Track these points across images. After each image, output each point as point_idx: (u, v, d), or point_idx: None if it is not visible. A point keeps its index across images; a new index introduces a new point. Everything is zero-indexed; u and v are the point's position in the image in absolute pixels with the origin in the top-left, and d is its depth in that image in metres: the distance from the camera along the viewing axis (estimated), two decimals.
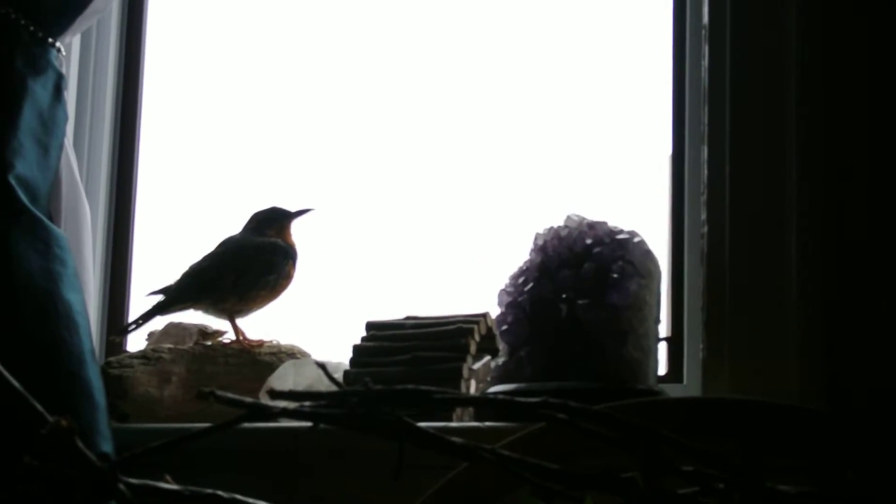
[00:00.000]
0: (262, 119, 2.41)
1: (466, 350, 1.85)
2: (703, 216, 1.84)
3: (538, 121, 2.29)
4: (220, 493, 0.80)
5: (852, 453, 1.28)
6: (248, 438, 1.75)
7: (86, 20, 1.97)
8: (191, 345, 2.09)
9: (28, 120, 1.77)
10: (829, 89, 1.77)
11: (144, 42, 2.37)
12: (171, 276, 2.12)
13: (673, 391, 1.89)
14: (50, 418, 0.75)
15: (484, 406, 1.73)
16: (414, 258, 2.27)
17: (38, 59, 1.82)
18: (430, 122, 2.34)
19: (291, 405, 0.86)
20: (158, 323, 2.14)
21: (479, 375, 1.88)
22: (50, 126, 1.82)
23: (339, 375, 1.86)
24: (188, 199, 2.41)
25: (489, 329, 1.91)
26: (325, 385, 1.80)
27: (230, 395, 0.82)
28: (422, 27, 2.39)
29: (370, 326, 1.96)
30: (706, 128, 1.86)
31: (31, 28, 1.83)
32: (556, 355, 1.77)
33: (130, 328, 2.10)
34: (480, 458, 0.89)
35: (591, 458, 1.12)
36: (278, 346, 2.06)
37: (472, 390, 1.84)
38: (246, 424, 0.86)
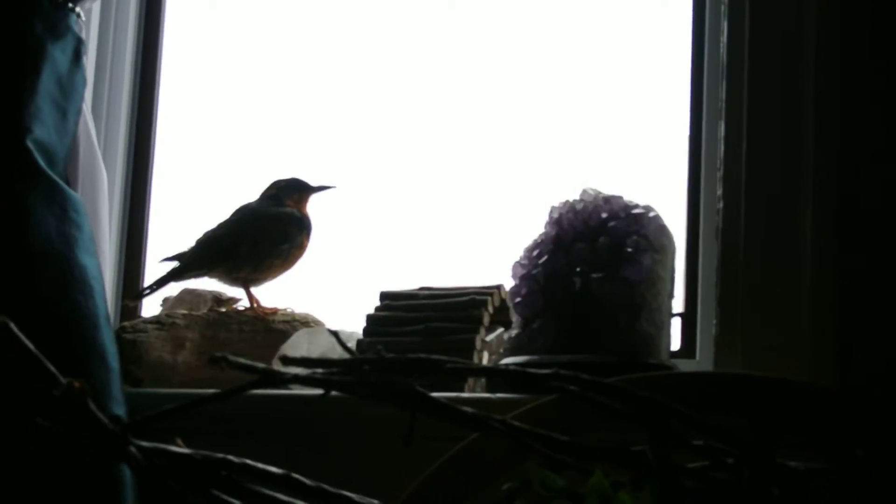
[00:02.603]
0: (282, 88, 2.41)
1: (480, 321, 1.85)
2: (719, 192, 1.84)
3: (556, 95, 2.29)
4: (231, 457, 0.80)
5: (862, 430, 1.28)
6: (260, 405, 1.76)
7: None
8: (205, 311, 2.09)
9: (47, 84, 1.78)
10: (847, 66, 1.76)
11: (164, 7, 2.37)
12: (187, 242, 2.12)
13: (686, 367, 1.89)
14: (63, 380, 0.75)
15: (495, 377, 1.72)
16: (429, 229, 2.27)
17: (57, 23, 1.83)
18: (448, 95, 2.33)
19: (303, 372, 0.86)
20: (173, 289, 2.15)
21: (492, 347, 1.88)
22: (68, 91, 1.82)
23: (352, 345, 1.86)
24: (206, 165, 2.41)
25: (503, 301, 1.91)
26: (338, 354, 1.79)
27: (242, 360, 0.82)
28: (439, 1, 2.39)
29: (384, 296, 1.96)
30: (724, 104, 1.86)
31: None
32: (568, 328, 1.77)
33: (145, 293, 2.11)
34: (491, 429, 0.89)
35: (602, 431, 1.13)
36: (292, 314, 2.06)
37: (485, 362, 1.85)
38: (258, 391, 0.87)
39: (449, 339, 1.83)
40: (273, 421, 1.79)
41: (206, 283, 2.14)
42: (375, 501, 0.87)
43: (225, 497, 0.81)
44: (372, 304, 1.95)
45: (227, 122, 2.42)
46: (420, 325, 1.87)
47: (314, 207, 2.17)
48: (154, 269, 2.17)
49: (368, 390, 0.86)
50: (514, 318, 1.85)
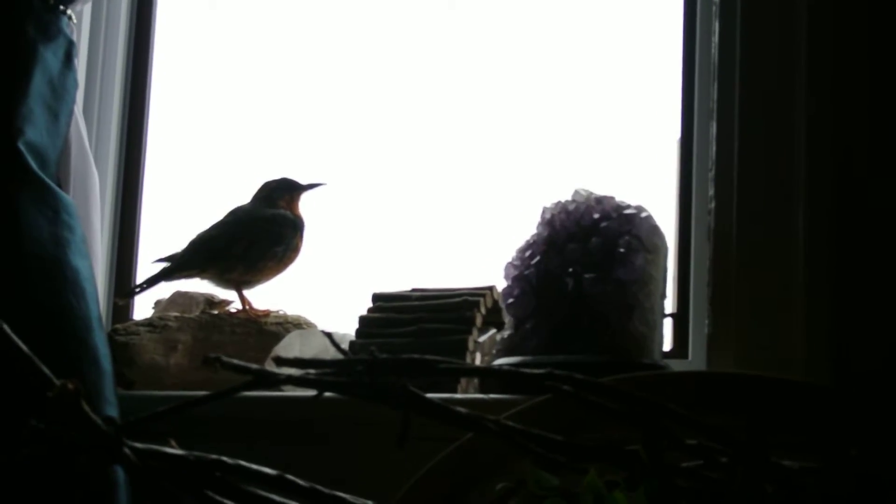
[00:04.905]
0: (273, 89, 2.41)
1: (472, 322, 1.85)
2: (711, 192, 1.85)
3: (548, 95, 2.29)
4: (224, 458, 0.80)
5: (856, 429, 1.28)
6: (253, 406, 1.75)
7: None
8: (197, 313, 2.09)
9: (38, 86, 1.78)
10: (839, 66, 1.77)
11: (155, 9, 2.37)
12: (180, 244, 2.12)
13: (678, 366, 1.89)
14: (56, 382, 0.75)
15: (489, 377, 1.73)
16: (421, 231, 2.27)
17: (49, 26, 1.82)
18: (440, 95, 2.33)
19: (297, 373, 0.86)
20: (165, 291, 2.15)
21: (485, 348, 1.88)
22: (60, 93, 1.82)
23: (345, 346, 1.86)
24: (197, 167, 2.41)
25: (495, 302, 1.91)
26: (331, 355, 1.80)
27: (236, 361, 0.82)
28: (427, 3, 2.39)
29: (377, 298, 1.96)
30: (716, 104, 1.86)
31: None
32: (561, 329, 1.77)
33: (136, 291, 2.10)
34: (485, 429, 0.89)
35: (595, 431, 1.13)
36: (285, 316, 2.06)
37: (478, 363, 1.85)
38: (251, 392, 0.87)
39: (441, 340, 1.83)
40: (266, 422, 1.79)
41: (198, 286, 2.14)
42: (369, 502, 0.87)
43: (219, 498, 0.80)
44: (364, 305, 1.95)
45: (219, 123, 2.42)
46: (413, 327, 1.87)
47: (305, 209, 2.17)
48: (146, 270, 2.17)
49: (362, 391, 0.86)
50: (507, 318, 1.85)
